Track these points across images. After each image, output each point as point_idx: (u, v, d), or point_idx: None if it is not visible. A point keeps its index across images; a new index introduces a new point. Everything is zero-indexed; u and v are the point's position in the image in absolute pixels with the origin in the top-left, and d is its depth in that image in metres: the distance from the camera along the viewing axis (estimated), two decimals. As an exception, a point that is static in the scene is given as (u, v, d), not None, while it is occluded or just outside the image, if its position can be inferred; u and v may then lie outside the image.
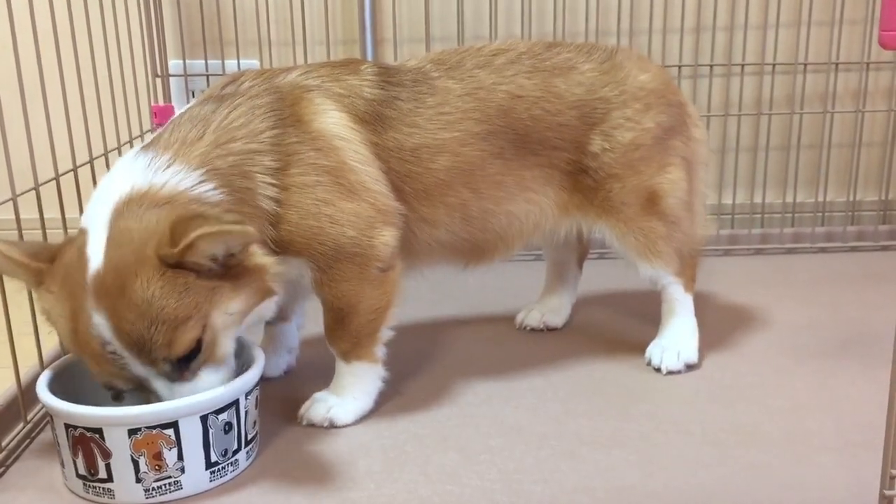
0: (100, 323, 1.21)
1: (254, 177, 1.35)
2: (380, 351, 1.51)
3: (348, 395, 1.50)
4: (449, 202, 1.52)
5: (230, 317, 1.29)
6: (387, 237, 1.44)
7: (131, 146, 1.97)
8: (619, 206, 1.61)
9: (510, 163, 1.55)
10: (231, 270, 1.26)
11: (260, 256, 1.29)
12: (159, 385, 1.25)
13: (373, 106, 1.47)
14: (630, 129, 1.60)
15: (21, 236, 1.42)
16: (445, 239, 1.56)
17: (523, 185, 1.58)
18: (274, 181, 1.36)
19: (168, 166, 1.30)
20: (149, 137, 2.13)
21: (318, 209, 1.38)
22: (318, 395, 1.52)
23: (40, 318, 1.45)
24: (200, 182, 1.29)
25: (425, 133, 1.49)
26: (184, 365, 1.25)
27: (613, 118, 1.59)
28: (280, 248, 1.38)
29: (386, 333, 1.50)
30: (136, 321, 1.20)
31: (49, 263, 1.26)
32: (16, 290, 1.44)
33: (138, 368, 1.23)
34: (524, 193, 1.58)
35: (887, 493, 1.15)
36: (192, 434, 1.27)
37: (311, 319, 1.72)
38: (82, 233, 1.27)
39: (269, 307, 1.36)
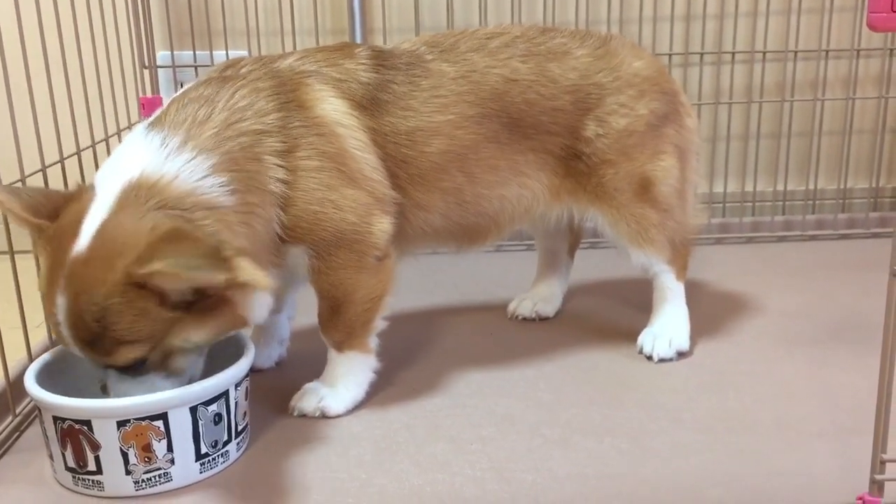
0: (60, 304, 1.21)
1: (263, 159, 1.34)
2: (373, 341, 1.51)
3: (340, 385, 1.50)
4: (443, 187, 1.52)
5: (190, 343, 1.26)
6: (384, 225, 1.44)
7: (119, 138, 1.96)
8: (612, 192, 1.61)
9: (504, 147, 1.55)
10: (201, 303, 1.22)
11: (249, 272, 1.21)
12: (105, 374, 1.26)
13: (369, 90, 1.46)
14: (624, 115, 1.60)
15: (7, 228, 1.41)
16: (439, 224, 1.55)
17: (517, 169, 1.57)
18: (282, 163, 1.35)
19: (181, 149, 1.28)
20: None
21: (322, 194, 1.38)
22: (309, 385, 1.51)
23: (28, 312, 1.46)
24: (211, 172, 1.27)
25: (420, 116, 1.48)
26: (126, 369, 1.25)
27: (607, 104, 1.59)
28: (286, 234, 1.37)
29: (380, 323, 1.50)
30: (89, 322, 1.19)
31: (50, 220, 1.25)
32: (3, 285, 1.44)
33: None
34: (517, 178, 1.58)
35: (878, 477, 1.16)
36: (181, 425, 1.26)
37: (301, 311, 1.72)
38: (89, 194, 1.26)
39: (260, 314, 1.32)
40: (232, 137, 1.32)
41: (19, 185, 1.47)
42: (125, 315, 1.18)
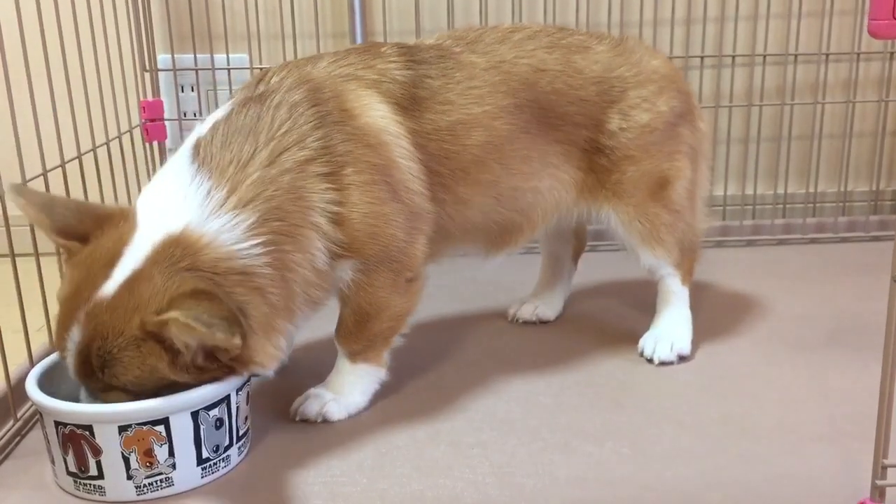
0: (74, 336, 1.22)
1: (307, 189, 1.32)
2: (387, 356, 1.51)
3: (346, 392, 1.50)
4: (483, 179, 1.52)
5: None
6: (421, 247, 1.45)
7: (120, 142, 1.96)
8: (631, 190, 1.62)
9: (535, 138, 1.55)
10: (205, 371, 1.24)
11: (258, 352, 1.26)
12: (84, 395, 1.29)
13: (406, 88, 1.46)
14: (647, 109, 1.61)
15: (9, 233, 1.41)
16: (479, 220, 1.55)
17: (547, 160, 1.58)
18: (330, 185, 1.34)
19: (225, 205, 1.26)
20: (137, 134, 2.15)
21: (377, 208, 1.37)
22: (313, 390, 1.51)
23: (29, 316, 1.46)
24: (250, 233, 1.26)
25: (459, 109, 1.48)
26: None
27: (630, 97, 1.61)
28: (344, 248, 1.36)
29: (398, 340, 1.51)
30: (95, 366, 1.21)
31: (81, 241, 1.26)
32: (4, 288, 1.44)
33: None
34: (548, 169, 1.58)
35: (879, 482, 1.16)
36: (182, 430, 1.26)
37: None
38: (128, 224, 1.25)
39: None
40: (275, 178, 1.30)
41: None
42: (132, 370, 1.20)
